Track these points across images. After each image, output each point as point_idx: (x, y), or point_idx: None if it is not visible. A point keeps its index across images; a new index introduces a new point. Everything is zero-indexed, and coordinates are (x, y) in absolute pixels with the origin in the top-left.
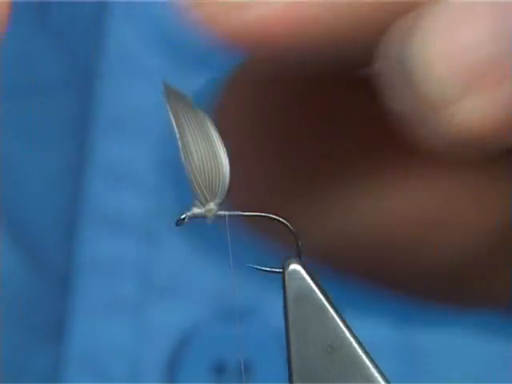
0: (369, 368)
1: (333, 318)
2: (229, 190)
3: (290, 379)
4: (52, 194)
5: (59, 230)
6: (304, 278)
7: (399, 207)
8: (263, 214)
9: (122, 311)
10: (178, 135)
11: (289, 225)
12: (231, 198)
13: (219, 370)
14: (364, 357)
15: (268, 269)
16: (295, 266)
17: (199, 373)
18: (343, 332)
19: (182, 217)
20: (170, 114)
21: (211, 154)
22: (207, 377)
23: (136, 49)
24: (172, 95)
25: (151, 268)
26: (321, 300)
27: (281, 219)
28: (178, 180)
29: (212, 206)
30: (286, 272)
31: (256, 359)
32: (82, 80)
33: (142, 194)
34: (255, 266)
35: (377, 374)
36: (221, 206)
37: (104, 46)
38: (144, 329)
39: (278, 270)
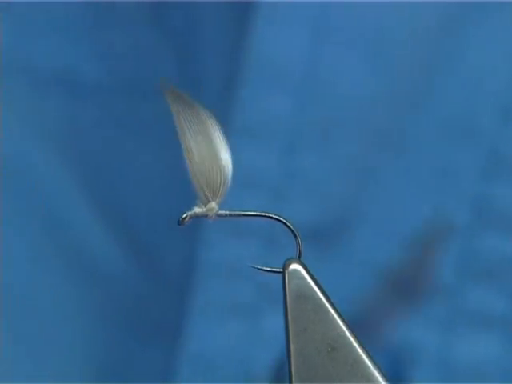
0: (369, 367)
1: (333, 317)
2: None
3: (290, 379)
4: (170, 196)
5: (176, 232)
6: (304, 278)
7: None
8: (264, 214)
9: (239, 315)
10: (179, 135)
11: (290, 224)
12: None
13: None
14: (364, 356)
15: (269, 268)
16: (296, 266)
17: None
18: (343, 332)
19: (184, 216)
20: (173, 113)
21: (212, 154)
22: None
23: (279, 52)
24: (174, 95)
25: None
26: (321, 300)
27: (282, 219)
28: (304, 188)
29: (213, 205)
30: (287, 272)
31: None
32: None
33: (267, 199)
34: (256, 266)
35: (377, 374)
36: (222, 206)
37: (247, 47)
38: (259, 334)
39: (278, 270)
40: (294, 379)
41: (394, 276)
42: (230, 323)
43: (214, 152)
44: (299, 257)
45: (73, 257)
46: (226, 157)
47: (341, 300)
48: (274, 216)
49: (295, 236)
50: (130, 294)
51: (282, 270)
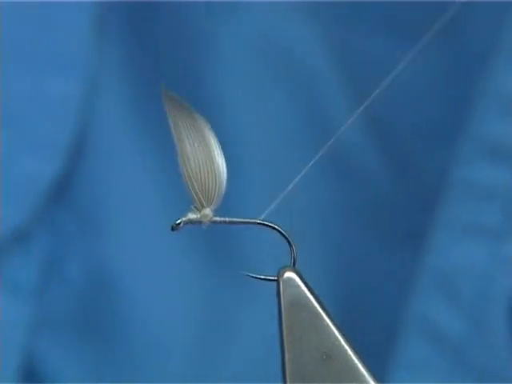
0: (364, 376)
1: (328, 325)
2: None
3: None
4: (434, 110)
5: (434, 144)
6: (299, 286)
7: None
8: (259, 222)
9: (483, 236)
10: (175, 140)
11: (284, 232)
12: None
13: None
14: (359, 365)
15: (263, 276)
16: (290, 274)
17: None
18: (338, 340)
19: (178, 222)
20: (169, 119)
21: (208, 160)
22: None
23: None
24: (171, 101)
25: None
26: (316, 308)
27: (276, 227)
28: None
29: (208, 211)
30: (281, 280)
31: None
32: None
33: None
34: (250, 274)
35: (372, 383)
36: (216, 212)
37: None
38: (501, 258)
39: (272, 278)
40: None
41: None
42: (473, 243)
43: (211, 159)
44: (294, 265)
45: (328, 149)
46: (221, 164)
47: None
48: (268, 224)
49: (289, 244)
50: (380, 195)
51: (276, 278)
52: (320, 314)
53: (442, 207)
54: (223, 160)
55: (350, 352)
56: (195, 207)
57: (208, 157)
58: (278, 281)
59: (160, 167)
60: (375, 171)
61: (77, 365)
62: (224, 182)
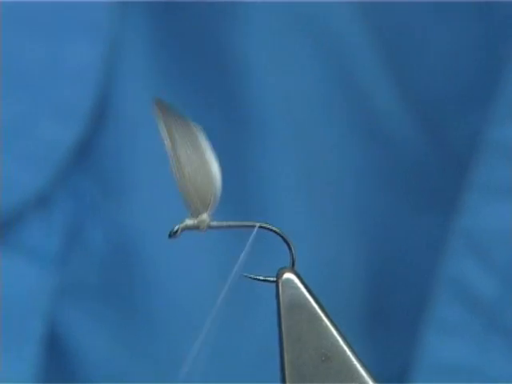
0: (363, 377)
1: (327, 326)
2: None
3: None
4: (468, 70)
5: (465, 108)
6: (298, 287)
7: None
8: (258, 224)
9: None
10: (168, 148)
11: (283, 234)
12: None
13: None
14: (358, 366)
15: (262, 278)
16: (289, 275)
17: None
18: (337, 341)
19: (175, 229)
20: (161, 126)
21: (203, 166)
22: None
23: None
24: (163, 108)
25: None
26: (315, 309)
27: (275, 229)
28: None
29: (205, 217)
30: (280, 281)
31: None
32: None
33: None
34: (249, 275)
35: (371, 383)
36: (213, 217)
37: None
38: None
39: (272, 279)
40: None
41: None
42: (506, 205)
43: (205, 164)
44: (293, 266)
45: (360, 113)
46: (216, 169)
47: None
48: (266, 226)
49: (288, 245)
50: (411, 159)
51: (275, 279)
52: (319, 315)
53: (474, 169)
54: (217, 165)
55: (348, 353)
56: (192, 213)
57: (202, 162)
58: (277, 282)
59: None
60: (407, 136)
61: (100, 331)
62: (219, 187)
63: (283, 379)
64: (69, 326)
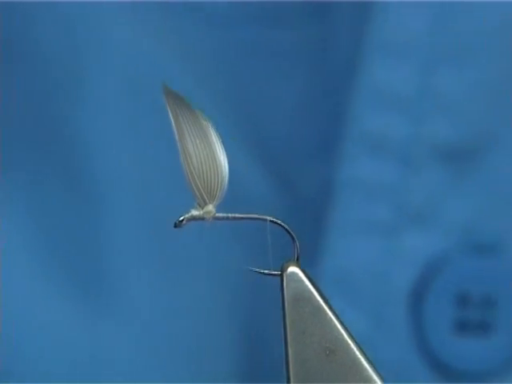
0: (367, 370)
1: (331, 320)
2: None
3: (288, 382)
4: (309, 115)
5: (313, 151)
6: (302, 281)
7: None
8: (263, 217)
9: (376, 233)
10: (176, 137)
11: (288, 227)
12: None
13: (463, 301)
14: (362, 359)
15: (267, 271)
16: (294, 269)
17: (443, 302)
18: (341, 334)
19: (181, 219)
20: (170, 116)
21: (210, 157)
22: (450, 307)
23: None
24: (172, 98)
25: (408, 193)
26: (319, 302)
27: (280, 222)
28: (441, 107)
29: (210, 208)
30: (285, 274)
31: (501, 294)
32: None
33: (405, 119)
34: (254, 269)
35: (375, 377)
36: (219, 208)
37: None
38: (395, 252)
39: (276, 273)
40: (292, 382)
41: None
42: (369, 240)
43: (213, 155)
44: (297, 259)
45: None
46: (223, 160)
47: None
48: (272, 219)
49: (293, 238)
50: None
51: (279, 272)
52: (323, 308)
53: (332, 209)
54: (225, 156)
55: (353, 346)
56: (198, 204)
57: (210, 153)
58: (281, 275)
59: None
60: (263, 194)
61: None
62: (226, 178)
63: (287, 372)
64: None
